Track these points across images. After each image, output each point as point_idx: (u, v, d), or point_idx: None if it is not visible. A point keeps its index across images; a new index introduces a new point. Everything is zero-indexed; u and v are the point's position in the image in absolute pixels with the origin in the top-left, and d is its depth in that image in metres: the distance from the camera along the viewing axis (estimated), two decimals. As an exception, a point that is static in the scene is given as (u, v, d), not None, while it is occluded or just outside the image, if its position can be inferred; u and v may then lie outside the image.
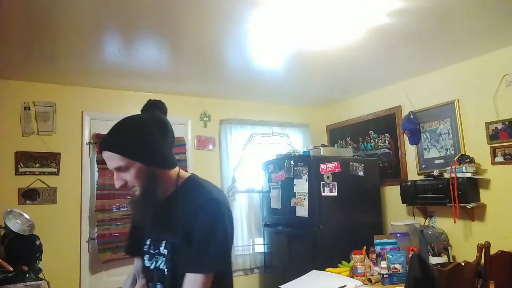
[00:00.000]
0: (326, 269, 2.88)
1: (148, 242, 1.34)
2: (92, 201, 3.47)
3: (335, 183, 3.44)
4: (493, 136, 3.04)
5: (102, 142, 1.21)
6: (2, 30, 2.41)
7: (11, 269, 2.65)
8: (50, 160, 3.34)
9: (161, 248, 1.27)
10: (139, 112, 1.32)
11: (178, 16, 2.33)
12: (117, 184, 1.22)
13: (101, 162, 3.47)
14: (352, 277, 2.71)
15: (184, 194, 1.28)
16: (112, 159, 1.19)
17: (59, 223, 3.32)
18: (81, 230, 3.42)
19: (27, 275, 2.70)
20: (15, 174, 3.22)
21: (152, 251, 1.31)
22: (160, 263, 1.28)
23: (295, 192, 3.53)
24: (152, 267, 1.30)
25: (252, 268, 4.12)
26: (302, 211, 3.45)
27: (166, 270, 1.26)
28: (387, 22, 2.47)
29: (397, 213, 3.77)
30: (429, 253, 2.99)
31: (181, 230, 1.22)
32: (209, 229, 1.18)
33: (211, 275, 1.18)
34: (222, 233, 1.20)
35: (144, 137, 1.22)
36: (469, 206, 2.99)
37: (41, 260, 2.93)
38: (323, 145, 3.83)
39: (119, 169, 1.20)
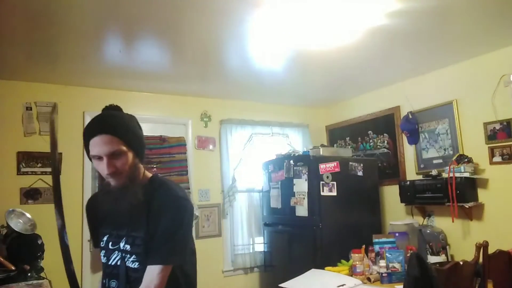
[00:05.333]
0: (326, 268, 2.90)
1: (105, 239, 1.35)
2: (93, 201, 3.48)
3: (335, 182, 3.46)
4: (491, 136, 3.06)
5: (101, 126, 1.25)
6: (3, 30, 2.42)
7: (13, 268, 2.66)
8: (52, 160, 3.36)
9: (121, 244, 1.30)
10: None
11: (178, 17, 2.35)
12: (109, 170, 1.22)
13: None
14: (351, 275, 2.73)
15: (150, 192, 1.30)
16: (111, 143, 1.22)
17: (61, 223, 3.34)
18: (83, 229, 3.42)
19: (29, 274, 2.71)
20: (17, 174, 3.24)
21: (111, 247, 1.33)
22: (119, 259, 1.29)
23: (294, 192, 3.55)
24: (112, 263, 1.32)
25: (252, 267, 4.14)
26: (302, 210, 3.48)
27: (127, 265, 1.27)
28: (386, 23, 2.49)
29: (396, 213, 3.79)
30: (428, 252, 3.01)
31: (146, 225, 1.26)
32: (172, 224, 1.24)
33: (169, 266, 1.23)
34: (185, 227, 1.27)
35: (138, 130, 1.34)
36: (467, 205, 3.02)
37: (42, 259, 2.95)
38: (322, 145, 3.85)
39: (113, 154, 1.23)
